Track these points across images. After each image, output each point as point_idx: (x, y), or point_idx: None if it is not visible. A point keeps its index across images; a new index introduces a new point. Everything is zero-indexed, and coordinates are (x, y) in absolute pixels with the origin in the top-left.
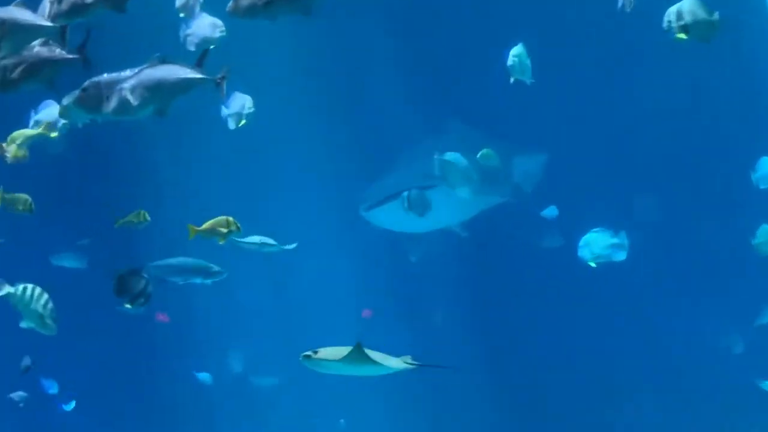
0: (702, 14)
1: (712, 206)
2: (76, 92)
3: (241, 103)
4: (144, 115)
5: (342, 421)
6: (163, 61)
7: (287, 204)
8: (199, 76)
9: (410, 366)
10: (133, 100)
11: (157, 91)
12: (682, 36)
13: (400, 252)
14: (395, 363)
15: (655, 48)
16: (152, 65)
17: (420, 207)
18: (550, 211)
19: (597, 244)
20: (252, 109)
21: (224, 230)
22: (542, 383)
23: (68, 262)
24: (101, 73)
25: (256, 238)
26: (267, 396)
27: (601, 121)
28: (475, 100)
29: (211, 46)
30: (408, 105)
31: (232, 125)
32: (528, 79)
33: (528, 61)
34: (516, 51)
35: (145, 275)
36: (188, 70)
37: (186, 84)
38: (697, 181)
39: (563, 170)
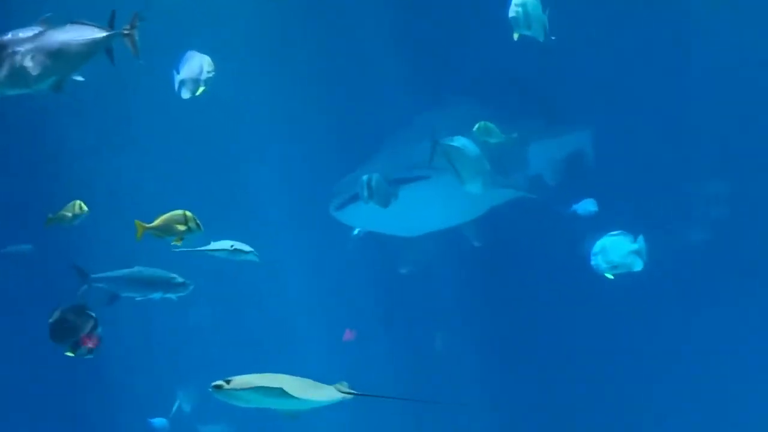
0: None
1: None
2: None
3: (197, 64)
4: (41, 88)
5: None
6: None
7: (248, 201)
8: (104, 33)
9: (347, 396)
10: (32, 70)
11: (59, 57)
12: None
13: (387, 262)
14: (328, 394)
15: None
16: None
17: (382, 197)
18: (586, 206)
19: (615, 252)
20: (212, 73)
21: (182, 228)
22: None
23: None
24: None
25: (225, 243)
26: None
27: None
28: (483, 68)
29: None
30: (398, 75)
31: (185, 94)
32: (539, 35)
33: (539, 11)
34: (517, 7)
35: (93, 314)
36: (94, 29)
37: (92, 46)
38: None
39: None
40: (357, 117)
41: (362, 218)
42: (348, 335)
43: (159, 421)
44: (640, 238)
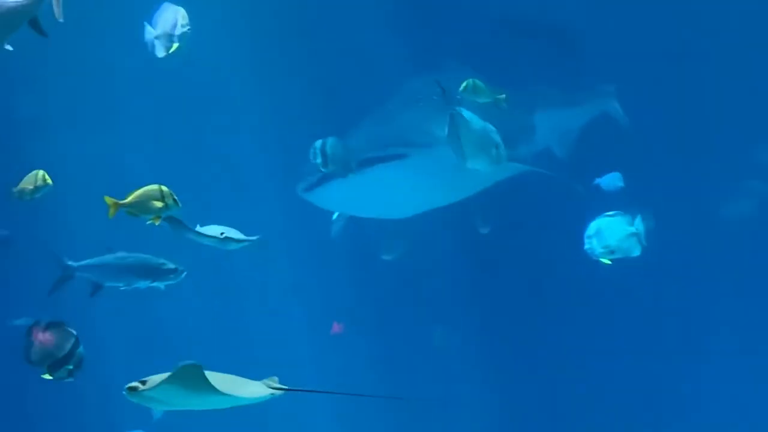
0: None
1: None
2: None
3: (171, 18)
4: None
5: None
6: None
7: (219, 178)
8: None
9: (277, 392)
10: None
11: None
12: None
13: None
14: (256, 389)
15: None
16: None
17: (340, 164)
18: (612, 181)
19: (611, 234)
20: (187, 28)
21: (159, 204)
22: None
23: None
24: None
25: (214, 229)
26: None
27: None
28: (481, 30)
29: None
30: (389, 34)
31: (160, 52)
32: None
33: None
34: None
35: (74, 331)
36: None
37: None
38: None
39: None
40: (342, 83)
41: (334, 200)
42: (336, 328)
43: None
44: (638, 219)
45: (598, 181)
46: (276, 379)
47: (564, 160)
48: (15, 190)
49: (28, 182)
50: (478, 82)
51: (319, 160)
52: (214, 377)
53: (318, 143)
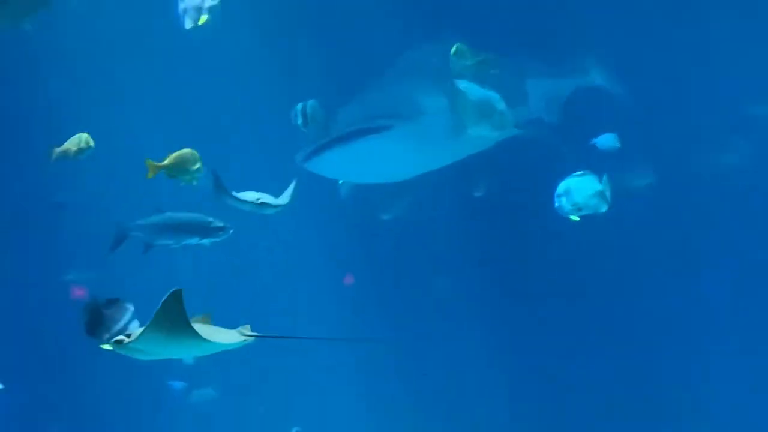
0: None
1: None
2: None
3: None
4: None
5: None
6: None
7: (227, 145)
8: None
9: (249, 339)
10: None
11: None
12: None
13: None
14: (230, 336)
15: None
16: None
17: (318, 124)
18: (607, 141)
19: (579, 193)
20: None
21: (195, 166)
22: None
23: None
24: None
25: (251, 194)
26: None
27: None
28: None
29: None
30: (389, 9)
31: (188, 23)
32: None
33: None
34: None
35: (129, 306)
36: None
37: None
38: None
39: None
40: (342, 54)
41: (331, 168)
42: (348, 279)
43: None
44: (605, 178)
45: (594, 140)
46: (248, 327)
47: (553, 125)
48: (58, 150)
49: (72, 144)
50: (463, 46)
51: (300, 122)
52: (192, 325)
53: (299, 106)
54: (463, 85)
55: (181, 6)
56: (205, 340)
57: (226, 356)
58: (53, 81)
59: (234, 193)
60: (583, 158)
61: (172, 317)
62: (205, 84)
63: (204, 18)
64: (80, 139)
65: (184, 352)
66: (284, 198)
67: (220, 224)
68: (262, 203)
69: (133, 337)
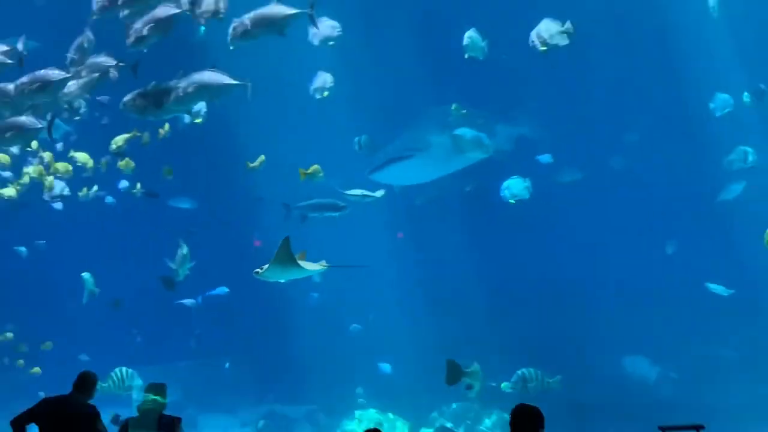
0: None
1: None
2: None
3: (323, 79)
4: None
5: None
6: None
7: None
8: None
9: (327, 267)
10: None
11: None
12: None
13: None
14: (319, 265)
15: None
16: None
17: (369, 149)
18: (546, 158)
19: (515, 187)
20: (331, 84)
21: (320, 174)
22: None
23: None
24: None
25: (357, 191)
26: None
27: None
28: (474, 84)
29: (330, 43)
30: (421, 82)
31: (317, 95)
32: (480, 56)
33: (481, 43)
34: (469, 33)
35: None
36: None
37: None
38: None
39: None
40: (396, 111)
41: (386, 177)
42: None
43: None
44: (528, 179)
45: (537, 157)
46: (324, 261)
47: (506, 151)
48: (250, 165)
49: (258, 162)
50: (459, 106)
51: (357, 148)
52: (297, 259)
53: (356, 138)
54: (463, 129)
55: (313, 87)
56: (301, 267)
57: None
58: (244, 126)
59: (348, 191)
60: (525, 168)
61: (285, 252)
62: (319, 126)
63: (326, 93)
64: (260, 160)
65: (293, 275)
66: (378, 193)
67: (343, 204)
68: (365, 195)
69: (264, 269)
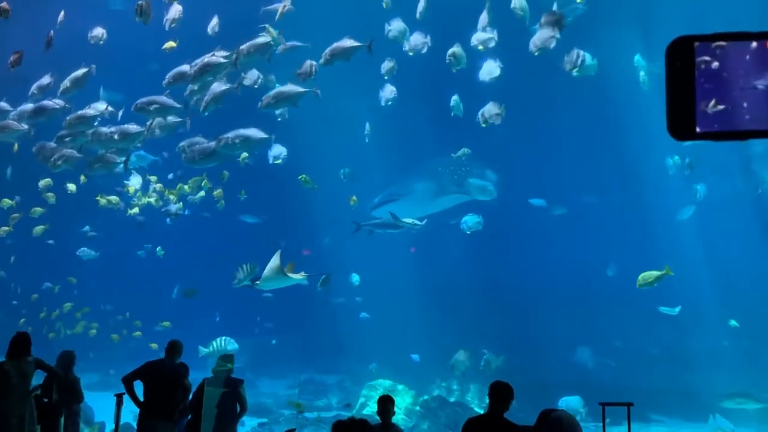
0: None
1: None
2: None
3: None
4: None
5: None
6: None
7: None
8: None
9: (305, 277)
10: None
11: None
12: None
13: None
14: (299, 276)
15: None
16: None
17: (350, 178)
18: (538, 202)
19: (471, 222)
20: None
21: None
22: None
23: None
24: None
25: (409, 220)
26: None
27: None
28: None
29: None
30: (428, 135)
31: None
32: (460, 114)
33: (460, 106)
34: (454, 99)
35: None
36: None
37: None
38: None
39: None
40: (405, 159)
41: (383, 214)
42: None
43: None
44: (480, 216)
45: (530, 200)
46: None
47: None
48: (308, 184)
49: (310, 185)
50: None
51: (342, 177)
52: (282, 268)
53: (341, 170)
54: (473, 179)
55: (381, 95)
56: (287, 276)
57: None
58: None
59: (401, 219)
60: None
61: (275, 265)
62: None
63: (389, 102)
64: (311, 184)
65: (280, 283)
66: (423, 221)
67: (401, 223)
68: (414, 223)
69: (260, 281)
